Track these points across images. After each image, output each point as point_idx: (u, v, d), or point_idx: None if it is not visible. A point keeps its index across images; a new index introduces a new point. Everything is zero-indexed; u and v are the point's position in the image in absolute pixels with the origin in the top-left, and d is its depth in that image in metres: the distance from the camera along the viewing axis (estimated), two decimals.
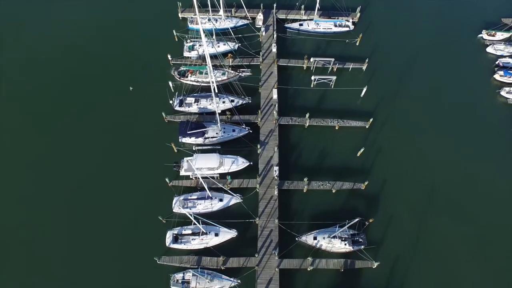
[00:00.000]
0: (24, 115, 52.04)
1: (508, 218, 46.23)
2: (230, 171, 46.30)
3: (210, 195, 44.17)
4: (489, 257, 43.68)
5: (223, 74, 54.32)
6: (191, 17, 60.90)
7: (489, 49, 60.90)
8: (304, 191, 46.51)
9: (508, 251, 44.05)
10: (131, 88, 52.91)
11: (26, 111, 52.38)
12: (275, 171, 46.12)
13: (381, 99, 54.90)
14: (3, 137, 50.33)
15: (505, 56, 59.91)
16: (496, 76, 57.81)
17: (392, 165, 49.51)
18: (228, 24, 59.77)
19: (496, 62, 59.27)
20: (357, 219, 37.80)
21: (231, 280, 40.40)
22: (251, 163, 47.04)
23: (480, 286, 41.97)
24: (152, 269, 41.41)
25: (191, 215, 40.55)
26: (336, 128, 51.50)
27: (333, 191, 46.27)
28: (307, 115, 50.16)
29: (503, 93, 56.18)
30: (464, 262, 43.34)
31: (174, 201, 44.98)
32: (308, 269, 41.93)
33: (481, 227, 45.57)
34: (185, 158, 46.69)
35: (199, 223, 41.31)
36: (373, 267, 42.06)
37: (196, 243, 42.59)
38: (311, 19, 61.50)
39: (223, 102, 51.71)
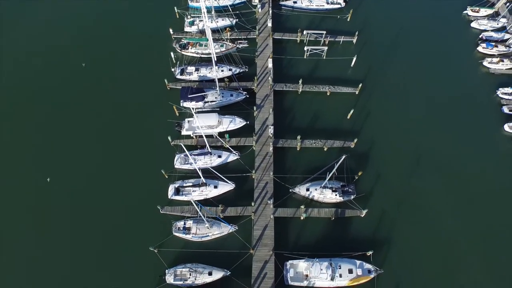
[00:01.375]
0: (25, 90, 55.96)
1: (485, 175, 49.26)
2: (228, 129, 49.63)
3: (210, 151, 47.47)
4: (467, 208, 46.74)
5: (222, 46, 57.80)
6: None
7: (473, 24, 64.60)
8: (298, 148, 49.74)
9: (484, 203, 47.07)
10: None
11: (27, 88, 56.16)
12: (270, 130, 49.40)
13: (370, 68, 58.41)
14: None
15: (488, 31, 63.67)
16: (479, 48, 61.28)
17: (379, 126, 52.84)
18: (226, 1, 63.43)
19: (480, 36, 62.90)
20: (343, 157, 39.99)
21: (229, 226, 43.70)
22: (248, 122, 50.43)
23: (457, 230, 45.14)
24: (156, 218, 44.78)
25: (193, 162, 43.79)
26: (328, 94, 54.90)
27: (325, 148, 49.48)
28: (300, 81, 53.65)
29: (485, 63, 59.58)
30: (444, 212, 46.42)
31: (175, 158, 48.44)
32: (301, 218, 45.14)
33: (462, 183, 48.62)
34: (186, 119, 50.09)
35: (200, 174, 44.51)
36: (362, 215, 45.31)
37: (196, 195, 45.82)
38: None
39: (222, 70, 55.13)
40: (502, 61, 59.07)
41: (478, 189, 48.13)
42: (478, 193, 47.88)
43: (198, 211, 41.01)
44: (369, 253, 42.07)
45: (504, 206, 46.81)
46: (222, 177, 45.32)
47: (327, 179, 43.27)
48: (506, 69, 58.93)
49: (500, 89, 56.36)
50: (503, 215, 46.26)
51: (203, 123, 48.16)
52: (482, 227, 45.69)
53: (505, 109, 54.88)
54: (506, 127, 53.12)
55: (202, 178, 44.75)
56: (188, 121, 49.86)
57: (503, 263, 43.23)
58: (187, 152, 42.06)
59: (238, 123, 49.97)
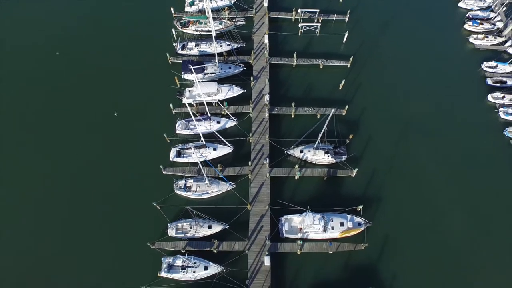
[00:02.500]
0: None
1: (468, 139, 52.29)
2: (226, 97, 52.53)
3: (209, 116, 50.27)
4: (449, 167, 49.90)
5: (220, 23, 60.86)
6: None
7: (460, 4, 67.74)
8: (292, 115, 52.58)
9: (466, 162, 50.22)
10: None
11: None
12: (266, 98, 52.24)
13: (361, 44, 61.53)
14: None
15: (474, 10, 66.80)
16: (466, 26, 64.38)
17: (369, 96, 55.90)
18: None
19: (467, 15, 65.98)
20: (333, 110, 42.99)
21: (228, 184, 46.35)
22: (245, 90, 53.41)
23: (440, 186, 48.17)
24: (159, 177, 47.56)
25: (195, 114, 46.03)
26: (321, 67, 57.85)
27: (318, 115, 52.20)
28: (295, 55, 56.61)
29: (471, 39, 62.61)
30: (429, 171, 49.54)
31: (177, 124, 51.23)
32: (296, 177, 47.91)
33: (446, 145, 51.77)
34: (187, 88, 52.98)
35: (201, 136, 47.44)
36: (353, 175, 48.11)
37: (197, 157, 48.53)
38: None
39: (221, 46, 58.10)
40: (487, 37, 62.14)
41: (461, 150, 51.29)
42: (461, 154, 51.05)
43: (201, 168, 43.90)
44: (359, 207, 44.91)
45: (483, 165, 49.98)
46: (222, 138, 48.05)
47: (319, 137, 45.89)
48: (490, 44, 61.98)
49: (485, 63, 59.31)
50: (482, 173, 49.36)
51: (203, 90, 51.11)
52: (463, 183, 48.86)
53: (489, 81, 57.87)
54: (489, 97, 56.20)
55: (202, 139, 47.63)
56: (189, 90, 52.77)
57: (481, 213, 46.24)
58: (192, 113, 44.43)
59: (236, 91, 52.90)
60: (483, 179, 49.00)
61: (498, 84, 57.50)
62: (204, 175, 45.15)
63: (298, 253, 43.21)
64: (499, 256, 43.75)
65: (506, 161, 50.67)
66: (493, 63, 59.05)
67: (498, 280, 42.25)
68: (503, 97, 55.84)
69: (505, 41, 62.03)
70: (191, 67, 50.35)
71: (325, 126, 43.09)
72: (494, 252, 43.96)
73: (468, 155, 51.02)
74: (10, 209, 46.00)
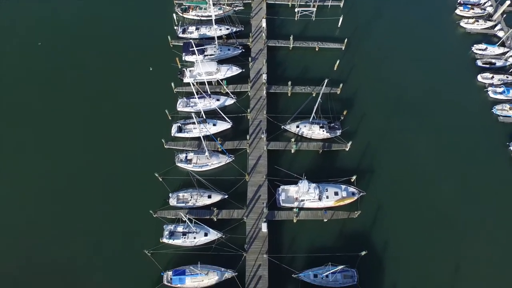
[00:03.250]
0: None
1: (457, 116, 54.45)
2: (226, 76, 54.63)
3: (209, 93, 52.33)
4: (439, 141, 52.14)
5: (220, 9, 63.18)
6: None
7: None
8: (289, 94, 54.69)
9: (455, 137, 52.43)
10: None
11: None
12: (264, 77, 54.37)
13: (355, 27, 63.92)
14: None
15: None
16: (457, 11, 66.62)
17: (363, 76, 58.11)
18: None
19: (458, 1, 68.23)
20: (326, 80, 44.48)
21: (227, 156, 48.29)
22: (243, 70, 55.62)
23: (430, 158, 50.43)
24: (161, 151, 49.55)
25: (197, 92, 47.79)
26: (316, 49, 60.05)
27: (313, 94, 54.18)
28: (291, 37, 58.81)
29: (462, 24, 64.86)
30: (420, 144, 51.71)
31: (178, 102, 53.35)
32: (292, 151, 49.92)
33: (436, 121, 53.84)
34: (188, 68, 55.12)
35: (202, 111, 49.57)
36: (347, 149, 50.12)
37: (197, 132, 50.53)
38: None
39: (220, 29, 60.34)
40: (477, 21, 64.35)
41: (451, 126, 53.39)
42: (451, 129, 53.18)
43: (202, 141, 45.91)
44: (353, 178, 46.84)
45: (472, 139, 52.16)
46: (222, 114, 50.06)
47: (314, 110, 47.75)
48: (480, 28, 64.23)
49: (475, 45, 61.51)
50: (470, 146, 51.57)
51: (203, 69, 53.20)
52: (452, 155, 51.09)
53: (479, 63, 59.96)
54: (479, 77, 58.30)
55: (203, 114, 49.71)
56: (190, 70, 54.93)
57: (469, 183, 48.36)
58: (194, 91, 46.62)
59: (234, 70, 55.12)
60: (472, 152, 51.14)
61: (487, 66, 59.62)
62: (205, 147, 47.14)
63: (294, 221, 45.13)
64: (485, 221, 45.80)
65: (493, 136, 52.76)
66: (483, 46, 61.22)
67: (483, 243, 44.29)
68: (492, 77, 57.95)
69: (495, 25, 64.26)
70: (193, 48, 52.57)
71: (319, 98, 45.03)
72: (480, 218, 46.01)
73: (458, 130, 53.15)
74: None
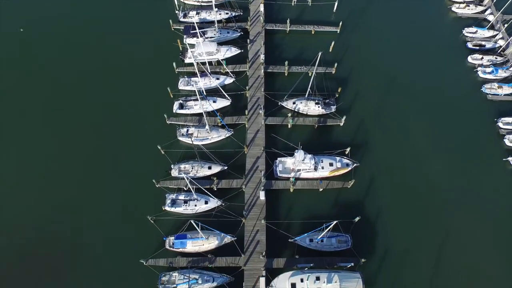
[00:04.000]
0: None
1: (446, 92, 57.03)
2: (225, 56, 56.91)
3: (209, 72, 54.53)
4: (429, 116, 54.59)
5: None
6: None
7: None
8: (286, 74, 56.98)
9: (443, 111, 54.80)
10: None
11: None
12: (261, 57, 56.64)
13: (350, 12, 66.51)
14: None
15: None
16: None
17: (358, 57, 60.56)
18: None
19: None
20: (320, 53, 46.21)
21: (227, 130, 50.46)
22: (242, 50, 58.05)
23: (422, 131, 52.75)
24: (164, 126, 51.71)
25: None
26: (312, 32, 62.49)
27: (309, 73, 56.33)
28: (288, 21, 61.16)
29: (453, 8, 67.40)
30: (410, 118, 54.14)
31: (179, 81, 55.58)
32: (289, 126, 52.11)
33: (426, 97, 56.41)
34: (189, 49, 57.24)
35: (203, 89, 51.88)
36: (341, 124, 52.35)
37: (198, 108, 52.70)
38: None
39: (220, 14, 62.70)
40: (468, 6, 66.84)
41: (442, 104, 55.67)
42: (441, 106, 55.46)
43: (204, 115, 48.14)
44: (347, 150, 48.94)
45: (462, 115, 54.61)
46: (222, 90, 52.33)
47: (309, 85, 50.11)
48: (471, 13, 66.75)
49: (466, 29, 63.98)
50: (460, 121, 54.08)
51: (204, 49, 55.47)
52: (442, 130, 53.51)
53: (469, 45, 62.40)
54: (469, 58, 60.66)
55: (203, 90, 51.99)
56: (191, 51, 57.06)
57: (458, 156, 50.77)
58: (196, 68, 48.56)
59: (234, 51, 57.46)
60: (462, 127, 53.50)
61: (477, 47, 62.07)
62: (206, 121, 49.31)
63: (291, 190, 47.23)
64: (472, 191, 48.14)
65: (482, 113, 55.12)
66: (473, 29, 63.65)
67: (469, 211, 46.62)
68: (482, 58, 60.28)
69: (485, 10, 66.83)
70: (195, 30, 54.53)
71: (314, 72, 47.30)
72: (468, 188, 48.29)
73: (448, 107, 55.43)
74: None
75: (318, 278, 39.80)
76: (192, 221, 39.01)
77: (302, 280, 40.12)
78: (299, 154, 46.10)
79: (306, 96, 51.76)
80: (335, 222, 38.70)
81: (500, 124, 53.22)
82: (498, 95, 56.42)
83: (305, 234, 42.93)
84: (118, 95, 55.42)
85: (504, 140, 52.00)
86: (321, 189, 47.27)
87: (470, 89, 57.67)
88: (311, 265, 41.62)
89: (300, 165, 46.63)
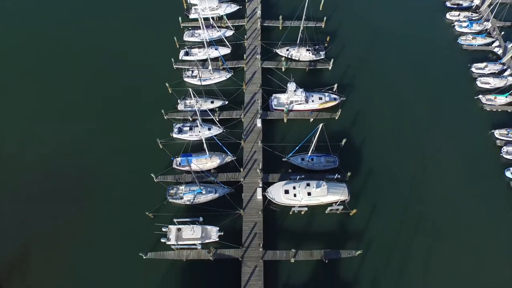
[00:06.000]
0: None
1: (432, 63, 61.32)
2: (225, 12, 63.33)
3: (212, 24, 60.70)
4: (416, 77, 59.25)
5: None
6: None
7: None
8: (280, 28, 63.40)
9: (430, 80, 59.34)
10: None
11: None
12: (258, 13, 63.26)
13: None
14: None
15: None
16: None
17: (344, 14, 67.01)
18: None
19: None
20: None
21: (228, 72, 56.34)
22: (241, 6, 64.47)
23: (408, 88, 58.15)
24: (171, 70, 57.73)
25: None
26: None
27: (301, 27, 61.32)
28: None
29: None
30: (397, 73, 59.39)
31: (185, 34, 61.88)
32: (283, 69, 58.02)
33: (411, 53, 62.16)
34: (192, 7, 63.89)
35: (206, 36, 57.58)
36: (329, 67, 58.34)
37: (202, 55, 58.63)
38: None
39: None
40: None
41: (421, 53, 62.02)
42: (420, 54, 61.79)
43: (209, 60, 54.53)
44: (335, 87, 54.66)
45: (441, 67, 60.40)
46: (224, 39, 58.85)
47: (300, 31, 56.10)
48: None
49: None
50: (438, 72, 59.70)
51: (208, 4, 61.96)
52: (421, 76, 59.26)
53: (448, 4, 68.67)
54: (447, 15, 67.06)
55: (207, 40, 57.56)
56: (195, 8, 63.70)
57: (436, 98, 56.47)
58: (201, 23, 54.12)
59: (233, 7, 63.95)
60: (438, 74, 59.66)
61: (455, 6, 68.33)
62: (209, 65, 55.37)
63: (285, 120, 52.94)
64: (444, 118, 54.12)
65: (458, 61, 61.30)
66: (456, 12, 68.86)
67: (442, 134, 52.50)
68: (459, 14, 66.50)
69: None
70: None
71: (303, 15, 52.86)
72: (440, 116, 54.32)
73: (427, 56, 61.75)
74: None
75: (308, 185, 45.23)
76: (190, 90, 43.80)
77: (294, 188, 45.66)
78: (291, 85, 51.87)
79: (298, 42, 57.84)
80: (319, 129, 43.37)
81: (473, 69, 59.38)
82: (472, 45, 62.52)
83: (297, 156, 48.53)
84: (130, 45, 61.35)
85: (476, 82, 58.13)
86: (311, 120, 52.90)
87: (447, 42, 63.79)
88: (303, 176, 47.12)
89: (292, 96, 52.35)
